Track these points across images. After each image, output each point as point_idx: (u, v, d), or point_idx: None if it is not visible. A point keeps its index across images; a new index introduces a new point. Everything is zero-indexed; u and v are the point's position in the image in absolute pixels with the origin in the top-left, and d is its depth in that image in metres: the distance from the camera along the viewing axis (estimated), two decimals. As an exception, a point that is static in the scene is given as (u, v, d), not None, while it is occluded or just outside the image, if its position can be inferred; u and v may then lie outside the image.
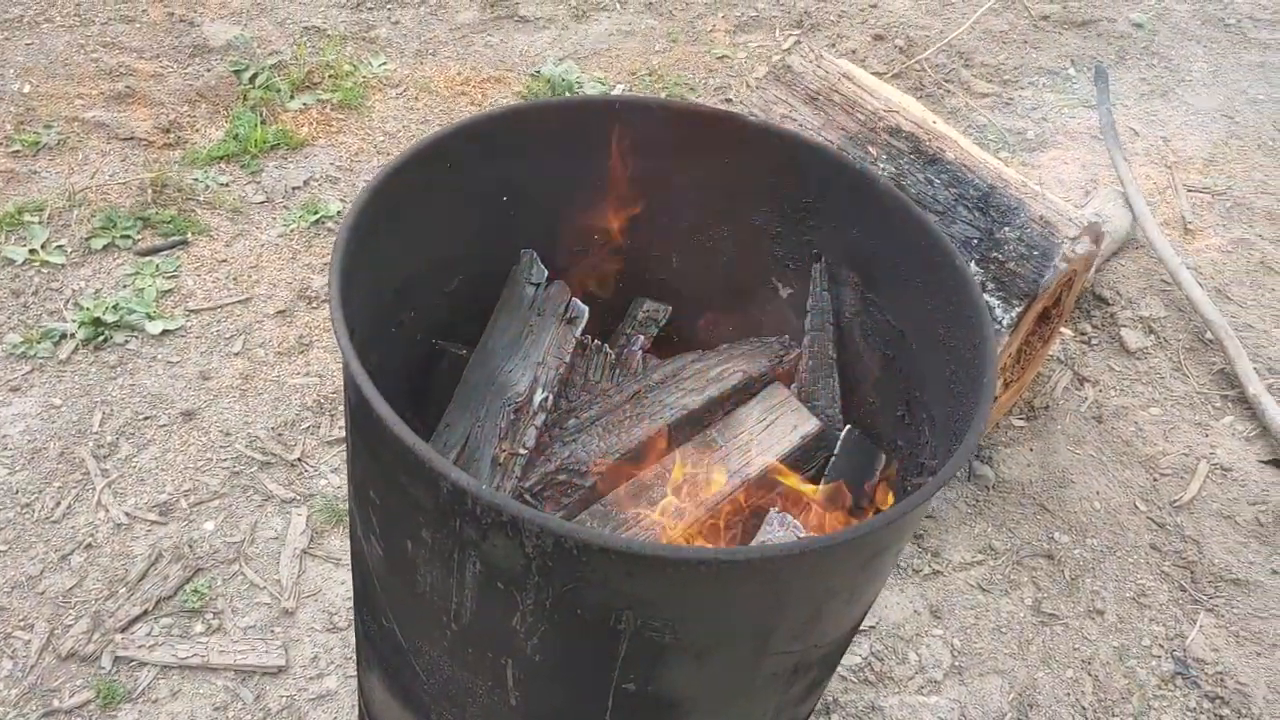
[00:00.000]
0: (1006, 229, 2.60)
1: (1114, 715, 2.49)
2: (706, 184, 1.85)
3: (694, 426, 1.76)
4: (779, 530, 1.53)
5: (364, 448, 1.42)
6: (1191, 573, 2.77)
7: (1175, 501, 2.92)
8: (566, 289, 1.83)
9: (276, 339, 2.94)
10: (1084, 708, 2.49)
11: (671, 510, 1.63)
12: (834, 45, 4.31)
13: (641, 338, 1.93)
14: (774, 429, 1.72)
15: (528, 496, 1.68)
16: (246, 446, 2.69)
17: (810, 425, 1.72)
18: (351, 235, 1.45)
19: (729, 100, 3.99)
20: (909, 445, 1.69)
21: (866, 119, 2.75)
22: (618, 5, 4.35)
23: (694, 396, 1.76)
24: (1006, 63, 4.40)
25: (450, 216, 1.74)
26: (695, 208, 1.89)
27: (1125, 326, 3.36)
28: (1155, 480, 2.97)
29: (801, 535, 1.53)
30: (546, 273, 1.84)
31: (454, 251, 1.79)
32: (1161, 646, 2.63)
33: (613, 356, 1.88)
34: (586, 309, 1.80)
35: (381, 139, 3.59)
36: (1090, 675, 2.55)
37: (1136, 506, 2.89)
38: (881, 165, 2.69)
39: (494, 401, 1.73)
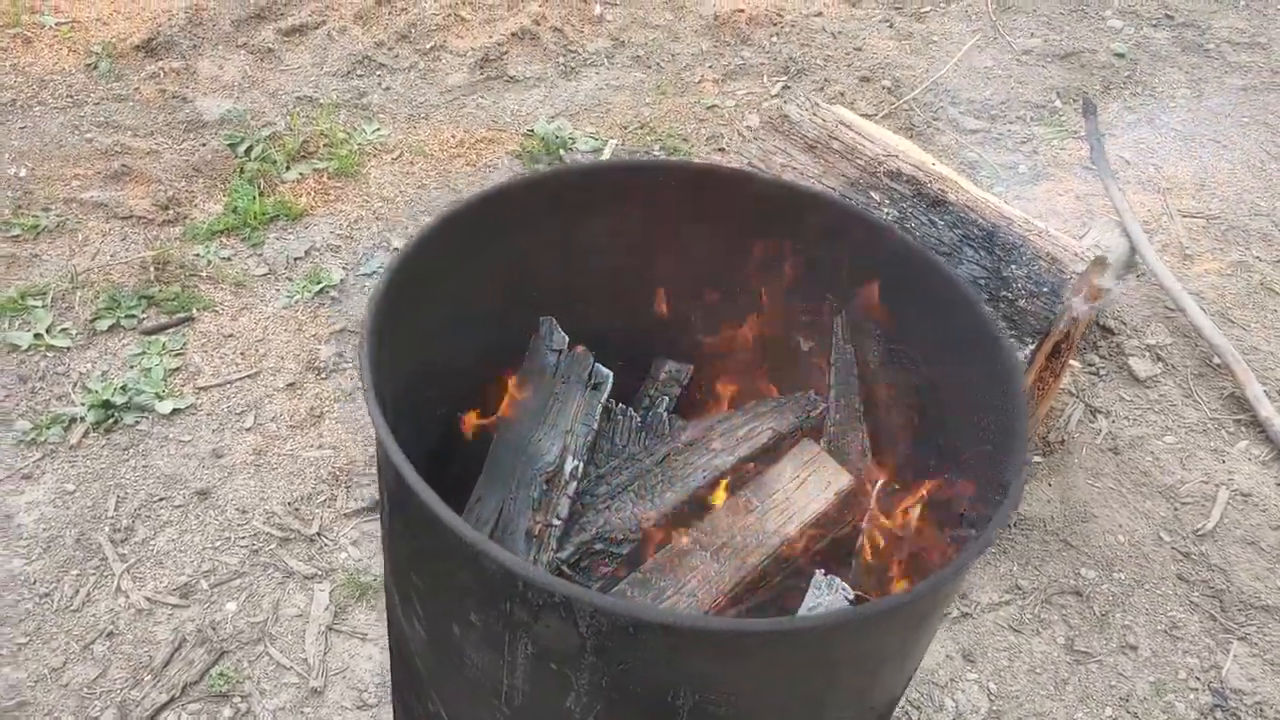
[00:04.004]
0: (1014, 266, 2.61)
1: (1154, 752, 2.47)
2: (725, 242, 1.85)
3: (732, 486, 1.75)
4: (827, 593, 1.51)
5: (404, 531, 1.40)
6: (1220, 602, 2.75)
7: (1198, 530, 2.91)
8: (588, 354, 1.82)
9: (288, 412, 2.92)
10: (1124, 746, 2.47)
11: (712, 575, 1.62)
12: (822, 89, 4.35)
13: (666, 399, 1.92)
14: (808, 486, 1.71)
15: (565, 569, 1.66)
16: (264, 523, 2.66)
17: (844, 481, 1.71)
18: (377, 316, 1.45)
19: (722, 150, 4.01)
20: (941, 495, 1.68)
21: (866, 164, 2.77)
22: (605, 61, 4.38)
23: (724, 457, 1.76)
24: (993, 98, 4.44)
25: (469, 288, 1.73)
26: (714, 266, 1.89)
27: (1133, 355, 3.36)
28: (1176, 510, 2.96)
29: (850, 597, 1.52)
30: (567, 339, 1.84)
31: (473, 323, 1.79)
32: (1198, 679, 2.61)
33: (638, 420, 1.87)
34: (611, 374, 1.80)
35: (379, 205, 3.59)
36: (1129, 713, 2.52)
37: (1160, 537, 2.88)
38: (885, 210, 2.70)
39: (524, 472, 1.72)
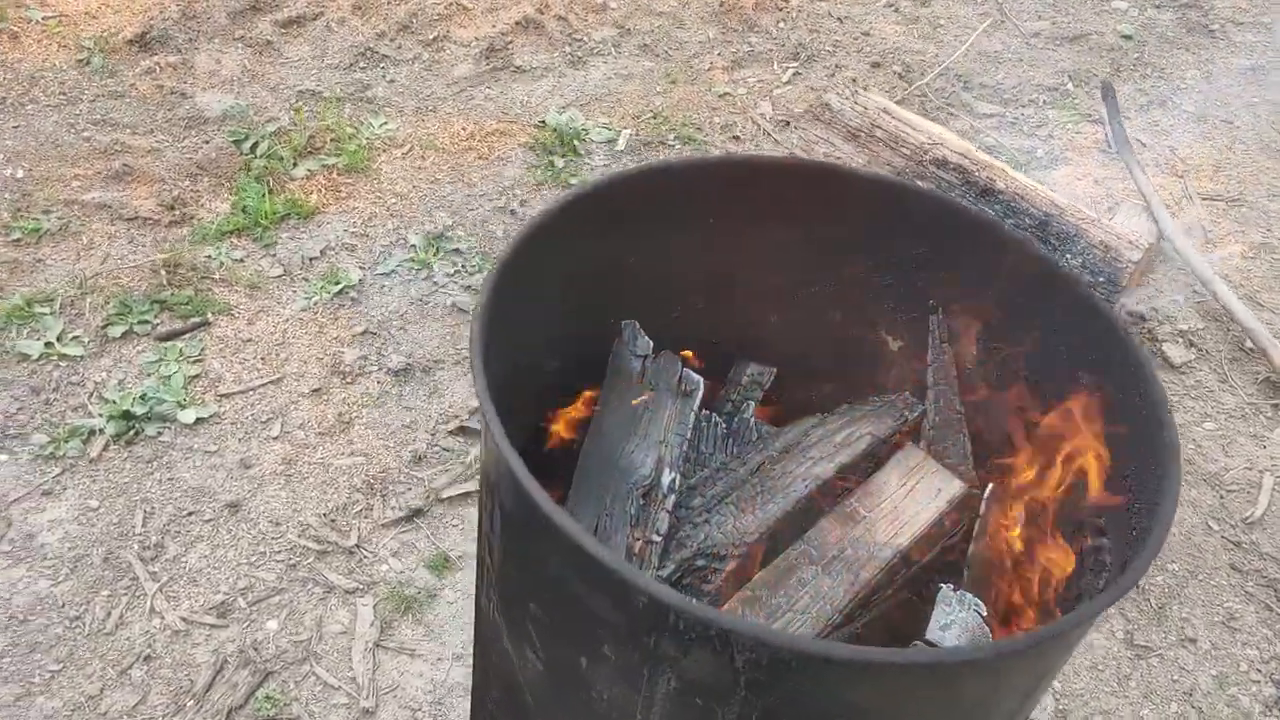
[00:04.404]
0: (1069, 256, 2.55)
1: (1222, 747, 2.43)
2: (807, 239, 1.78)
3: (828, 496, 1.67)
4: (958, 609, 1.44)
5: (522, 557, 1.31)
6: (1275, 591, 2.72)
7: (1247, 518, 2.87)
8: (676, 359, 1.74)
9: (315, 419, 2.81)
10: (1193, 743, 2.43)
11: (825, 591, 1.54)
12: (833, 75, 4.27)
13: (752, 404, 1.84)
14: (917, 494, 1.64)
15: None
16: (299, 536, 2.56)
17: (955, 488, 1.64)
18: (484, 323, 1.36)
19: (737, 138, 3.93)
20: (1059, 505, 1.62)
21: (912, 153, 2.70)
22: (613, 50, 4.28)
23: (824, 465, 1.68)
24: (1005, 82, 4.39)
25: (553, 292, 1.64)
26: (795, 264, 1.81)
27: (1166, 341, 3.32)
28: (1223, 497, 2.92)
29: (983, 613, 1.45)
30: (651, 343, 1.75)
31: (556, 329, 1.70)
32: (1259, 670, 2.57)
33: (724, 427, 1.79)
34: (702, 380, 1.71)
35: (393, 201, 3.48)
36: (1194, 708, 2.48)
37: (1210, 527, 2.84)
38: (934, 199, 2.63)
39: (619, 486, 1.63)
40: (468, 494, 2.70)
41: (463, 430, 2.84)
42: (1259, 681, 2.55)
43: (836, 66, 4.34)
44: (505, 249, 1.49)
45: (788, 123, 4.04)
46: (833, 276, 1.80)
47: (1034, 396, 1.67)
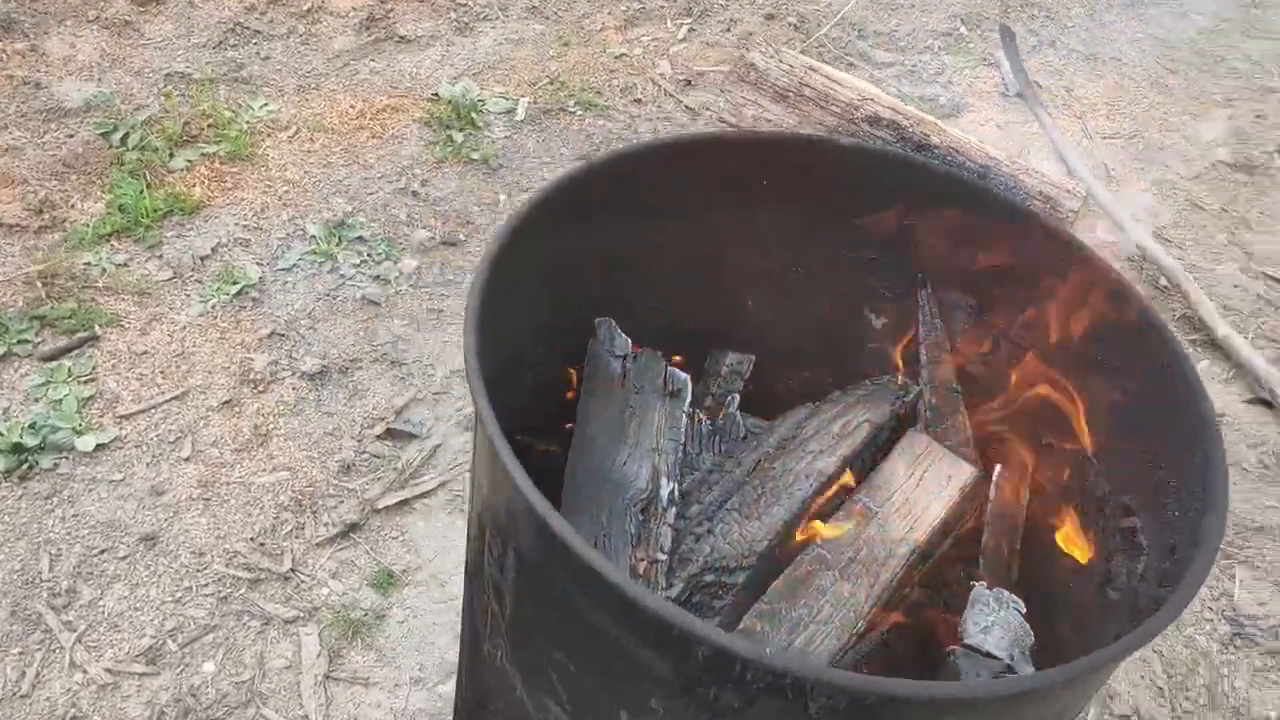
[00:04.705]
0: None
1: (1188, 689, 2.45)
2: (786, 217, 1.66)
3: (834, 492, 1.58)
4: (997, 608, 1.36)
5: (543, 603, 1.18)
6: (1221, 528, 2.75)
7: (1185, 457, 2.90)
8: (659, 357, 1.61)
9: (229, 434, 2.60)
10: (1160, 688, 2.44)
11: (846, 598, 1.45)
12: (729, 30, 4.16)
13: (736, 396, 1.73)
14: (926, 483, 1.55)
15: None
16: (227, 565, 2.36)
17: (965, 473, 1.56)
18: (479, 339, 1.21)
19: (639, 100, 3.79)
20: (1071, 485, 1.55)
21: (843, 110, 2.60)
22: (500, 14, 4.07)
23: (825, 459, 1.58)
24: (899, 29, 4.34)
25: (531, 290, 1.50)
26: (771, 244, 1.70)
27: (1086, 285, 3.33)
28: (1160, 439, 2.94)
29: (1023, 610, 1.37)
30: (630, 341, 1.62)
31: (525, 333, 1.55)
32: (1211, 609, 2.60)
33: (709, 424, 1.68)
34: (688, 378, 1.59)
35: (285, 189, 3.24)
36: (1155, 652, 2.49)
37: (1152, 469, 2.86)
38: (871, 159, 2.55)
39: (614, 503, 1.50)
40: (405, 501, 2.53)
41: (390, 434, 2.66)
42: (1212, 620, 2.58)
43: (731, 21, 4.22)
44: (490, 251, 1.33)
45: (689, 81, 3.92)
46: (813, 255, 1.69)
47: (1033, 369, 1.60)
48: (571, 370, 1.61)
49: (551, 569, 1.12)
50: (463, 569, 2.41)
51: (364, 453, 2.62)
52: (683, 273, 1.69)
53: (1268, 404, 3.09)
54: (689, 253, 1.67)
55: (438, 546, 2.46)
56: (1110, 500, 1.46)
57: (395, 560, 2.43)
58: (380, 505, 2.51)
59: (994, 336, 1.63)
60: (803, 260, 1.69)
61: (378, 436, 2.65)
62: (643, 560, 1.46)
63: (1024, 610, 1.37)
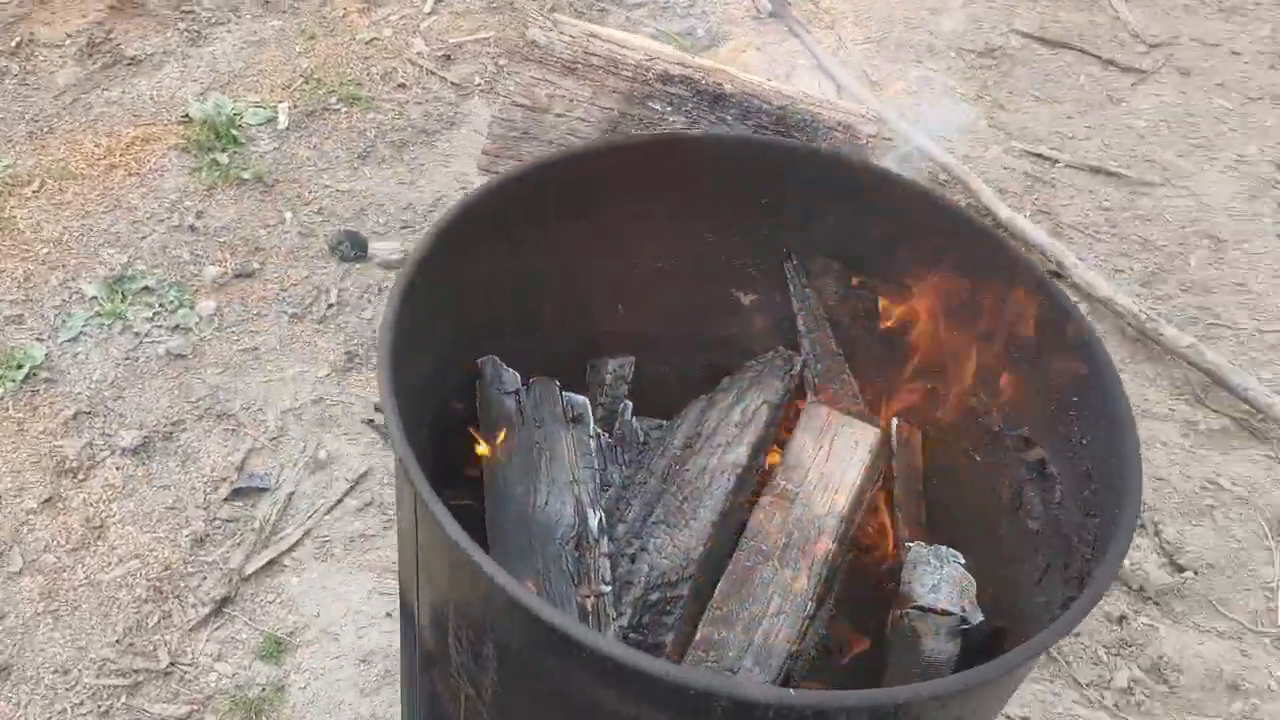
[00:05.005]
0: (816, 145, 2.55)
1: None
2: (645, 215, 1.64)
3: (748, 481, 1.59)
4: (939, 565, 1.41)
5: (535, 689, 1.14)
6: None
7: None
8: (554, 385, 1.57)
9: (59, 534, 2.39)
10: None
11: (788, 582, 1.47)
12: (474, -6, 4.03)
13: (628, 404, 1.71)
14: (836, 453, 1.58)
15: (632, 635, 1.45)
16: (98, 675, 2.18)
17: (870, 435, 1.60)
18: (392, 378, 1.14)
19: (403, 85, 3.64)
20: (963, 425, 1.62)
21: (634, 74, 2.58)
22: (232, 15, 3.80)
23: (735, 450, 1.59)
24: (641, -34, 4.32)
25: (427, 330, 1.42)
26: (636, 243, 1.68)
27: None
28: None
29: (963, 562, 1.42)
30: (518, 375, 1.57)
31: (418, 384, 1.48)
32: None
33: (607, 437, 1.65)
34: (587, 401, 1.56)
35: (46, 251, 2.96)
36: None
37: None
38: (672, 118, 2.54)
39: (545, 545, 1.47)
40: (273, 561, 2.40)
41: (237, 493, 2.51)
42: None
43: (474, -16, 4.09)
44: (395, 288, 1.26)
45: (449, 56, 3.79)
46: (678, 247, 1.68)
47: (907, 316, 1.65)
48: (458, 406, 1.54)
49: (542, 657, 1.09)
50: (348, 613, 2.33)
51: (214, 520, 2.46)
52: (542, 288, 1.64)
53: (1057, 275, 3.31)
54: (543, 265, 1.62)
55: (319, 600, 2.36)
56: (1008, 435, 1.53)
57: (279, 625, 2.31)
58: (247, 571, 2.37)
59: (865, 293, 1.67)
60: (668, 255, 1.68)
61: (224, 499, 2.49)
62: (588, 597, 1.44)
63: (963, 562, 1.43)
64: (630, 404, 1.70)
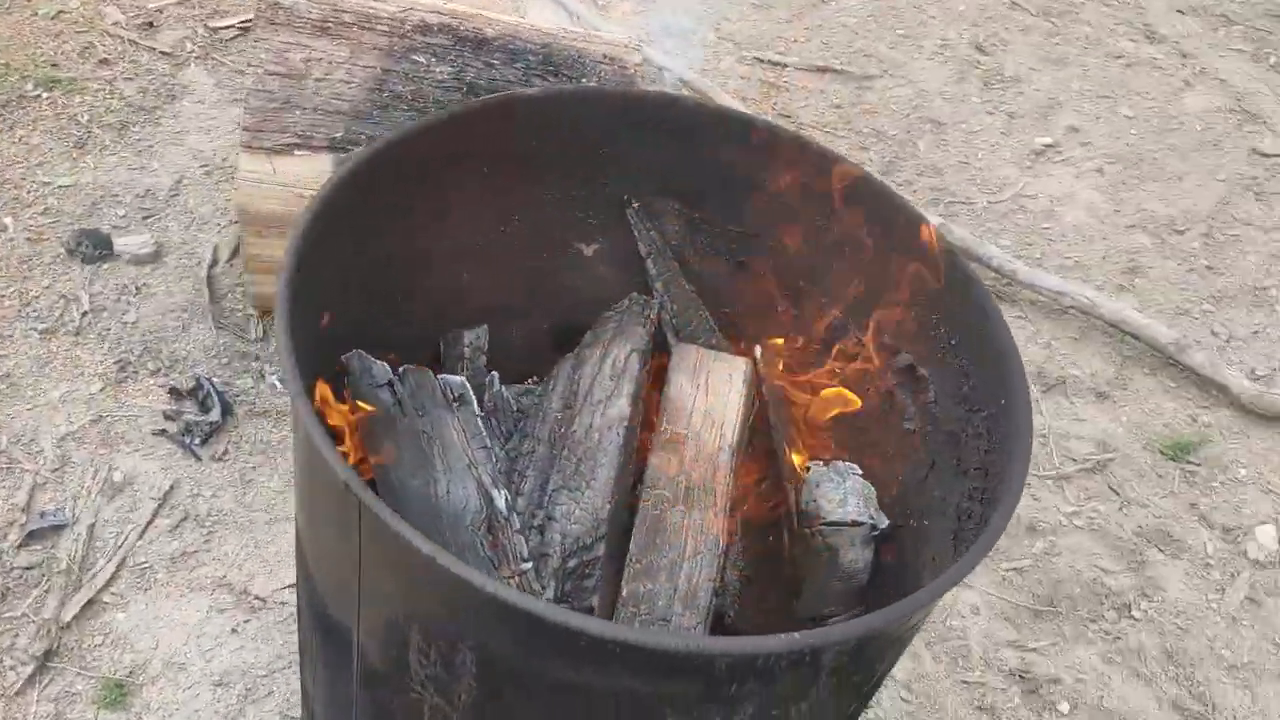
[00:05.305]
0: (588, 81, 2.53)
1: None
2: (487, 182, 1.59)
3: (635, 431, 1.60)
4: (842, 480, 1.48)
5: (522, 686, 1.13)
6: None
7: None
8: (427, 371, 1.51)
9: None
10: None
11: (699, 524, 1.50)
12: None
13: (495, 375, 1.67)
14: (714, 389, 1.61)
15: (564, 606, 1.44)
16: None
17: (740, 366, 1.64)
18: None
19: (106, 60, 3.31)
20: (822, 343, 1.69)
21: (391, 28, 2.46)
22: (-122, 0, 3.32)
23: (618, 403, 1.59)
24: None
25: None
26: (478, 211, 1.63)
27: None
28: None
29: (859, 472, 1.50)
30: (387, 366, 1.51)
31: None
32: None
33: (479, 410, 1.62)
34: (464, 379, 1.52)
35: None
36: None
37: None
38: (439, 69, 2.45)
39: (457, 535, 1.43)
40: (91, 601, 2.21)
41: (31, 536, 2.28)
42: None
43: (162, -60, 3.75)
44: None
45: (151, 24, 3.48)
46: (514, 209, 1.64)
47: (754, 244, 1.69)
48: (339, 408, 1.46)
49: (539, 656, 1.07)
50: (190, 639, 2.17)
51: (11, 571, 2.23)
52: (388, 267, 1.57)
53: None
54: (393, 250, 1.55)
55: (153, 631, 2.19)
56: (874, 343, 1.60)
57: (116, 667, 2.13)
58: (65, 618, 2.17)
59: (707, 228, 1.69)
60: (510, 218, 1.64)
61: (18, 546, 2.26)
62: (511, 577, 1.41)
63: (861, 473, 1.51)
64: (496, 374, 1.66)
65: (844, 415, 1.63)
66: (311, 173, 2.34)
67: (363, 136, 2.35)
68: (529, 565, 1.42)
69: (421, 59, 2.44)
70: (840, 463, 1.52)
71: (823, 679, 1.14)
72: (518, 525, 1.44)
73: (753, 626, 1.50)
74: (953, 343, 1.47)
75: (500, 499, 1.44)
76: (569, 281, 1.75)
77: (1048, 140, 3.86)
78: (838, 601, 1.47)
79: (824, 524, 1.46)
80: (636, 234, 1.67)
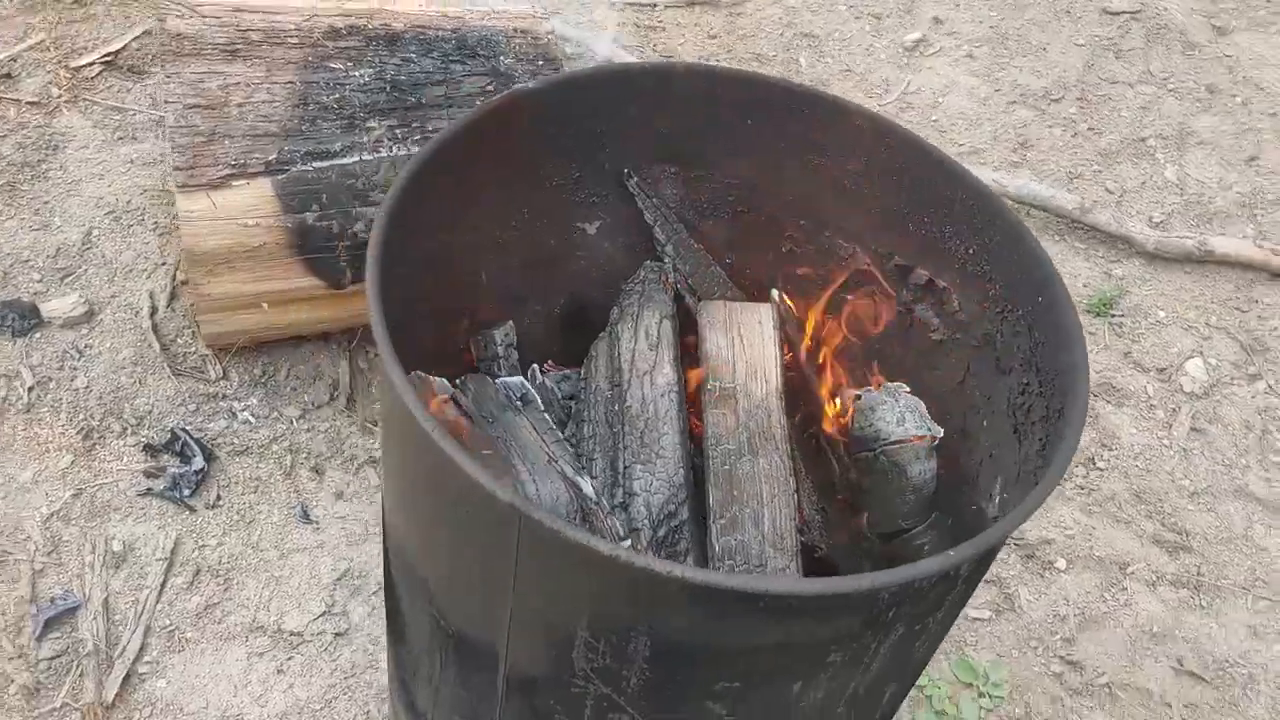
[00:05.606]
0: (504, 59, 2.53)
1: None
2: (498, 180, 1.61)
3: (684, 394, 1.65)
4: (895, 400, 1.56)
5: (691, 658, 1.18)
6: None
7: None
8: (485, 378, 1.53)
9: None
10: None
11: (770, 470, 1.56)
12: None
13: (535, 366, 1.70)
14: (747, 338, 1.67)
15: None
16: None
17: (766, 311, 1.70)
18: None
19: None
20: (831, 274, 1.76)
21: (300, 39, 2.41)
22: None
23: (663, 371, 1.63)
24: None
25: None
26: (491, 210, 1.64)
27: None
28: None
29: (906, 389, 1.58)
30: (445, 380, 1.52)
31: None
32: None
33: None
34: (522, 380, 1.55)
35: None
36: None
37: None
38: (358, 73, 2.41)
39: (556, 529, 1.46)
40: (128, 677, 2.16)
41: (48, 625, 2.21)
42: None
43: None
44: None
45: (8, 75, 3.30)
46: (525, 199, 1.66)
47: (753, 191, 1.75)
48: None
49: (711, 626, 1.12)
50: (237, 690, 2.16)
51: (38, 665, 2.16)
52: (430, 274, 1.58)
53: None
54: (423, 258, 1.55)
55: (201, 690, 2.17)
56: (883, 267, 1.68)
57: (172, 733, 2.11)
58: (108, 698, 2.13)
59: (706, 185, 1.74)
60: (520, 212, 1.65)
61: (37, 638, 2.19)
62: (617, 558, 1.46)
63: (909, 390, 1.59)
64: (535, 367, 1.69)
65: (870, 338, 1.70)
66: (254, 200, 2.29)
67: (298, 154, 2.30)
68: (628, 543, 1.47)
69: (338, 65, 2.40)
70: (888, 384, 1.60)
71: (958, 588, 1.23)
72: (608, 508, 1.48)
73: (843, 554, 1.58)
74: (970, 251, 1.55)
75: (587, 486, 1.48)
76: (575, 262, 1.78)
77: (917, 35, 3.99)
78: (911, 515, 1.56)
79: (888, 444, 1.54)
80: (640, 203, 1.71)
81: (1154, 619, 2.60)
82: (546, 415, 1.52)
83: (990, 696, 2.43)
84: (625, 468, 1.55)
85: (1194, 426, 3.04)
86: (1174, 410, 3.07)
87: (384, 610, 2.28)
